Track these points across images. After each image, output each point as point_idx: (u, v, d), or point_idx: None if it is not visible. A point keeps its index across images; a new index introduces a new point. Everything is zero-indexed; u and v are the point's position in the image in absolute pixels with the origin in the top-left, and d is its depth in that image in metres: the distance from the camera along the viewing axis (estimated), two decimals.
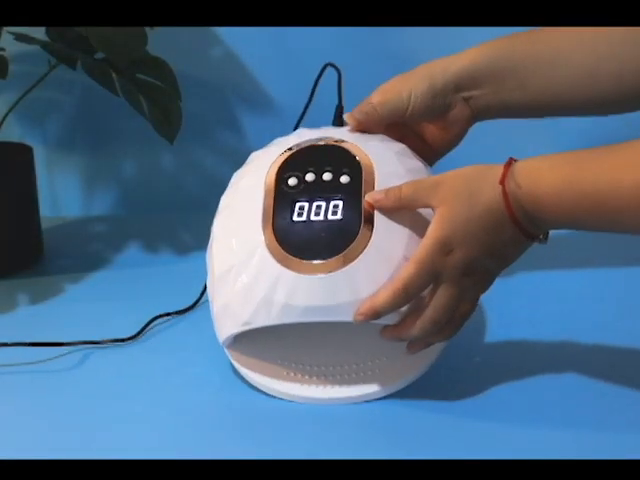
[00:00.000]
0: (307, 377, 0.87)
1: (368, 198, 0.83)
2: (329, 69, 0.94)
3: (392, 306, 0.81)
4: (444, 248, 0.79)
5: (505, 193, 0.78)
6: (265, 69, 1.39)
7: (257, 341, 0.87)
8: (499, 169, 0.79)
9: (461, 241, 0.79)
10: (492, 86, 0.91)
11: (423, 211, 0.83)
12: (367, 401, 0.86)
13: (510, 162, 0.79)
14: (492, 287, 0.84)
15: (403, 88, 0.91)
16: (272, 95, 1.38)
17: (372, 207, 0.83)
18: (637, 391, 0.86)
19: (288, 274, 0.82)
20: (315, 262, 0.82)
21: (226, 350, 0.89)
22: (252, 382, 0.88)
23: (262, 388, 0.88)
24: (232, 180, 0.91)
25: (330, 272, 0.82)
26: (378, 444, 0.81)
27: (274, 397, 0.87)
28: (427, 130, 0.95)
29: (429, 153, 0.95)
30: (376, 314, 0.81)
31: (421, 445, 0.80)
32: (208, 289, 0.89)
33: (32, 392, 0.91)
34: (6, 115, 1.24)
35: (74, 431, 0.84)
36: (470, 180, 0.80)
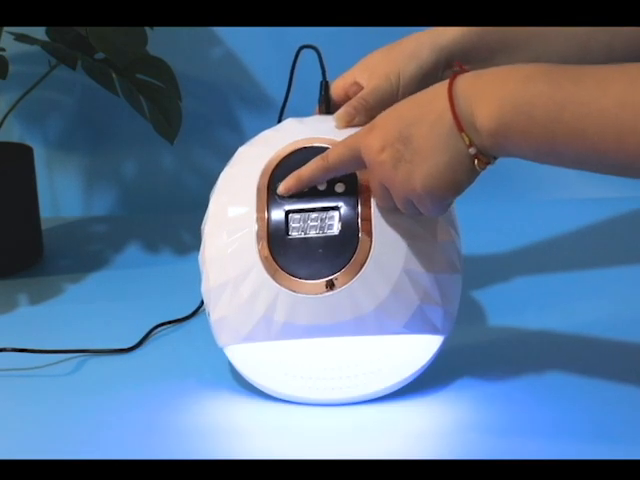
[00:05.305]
0: (307, 378, 0.87)
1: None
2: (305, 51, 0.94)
3: (316, 179, 0.82)
4: (369, 128, 0.79)
5: (450, 83, 0.74)
6: (265, 69, 1.39)
7: (257, 344, 0.87)
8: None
9: (383, 115, 0.79)
10: (483, 59, 0.88)
11: (422, 220, 0.82)
12: (366, 401, 0.86)
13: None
14: (493, 287, 0.84)
15: (390, 69, 0.88)
16: (272, 95, 1.38)
17: (369, 220, 0.81)
18: (637, 389, 0.86)
19: (287, 294, 0.81)
20: (314, 281, 0.81)
21: (226, 353, 0.88)
22: (253, 383, 0.88)
23: (262, 389, 0.87)
24: (219, 182, 0.89)
25: (330, 291, 0.80)
26: (378, 444, 0.81)
27: (274, 398, 0.87)
28: None
29: None
30: (301, 185, 0.82)
31: (422, 445, 0.81)
32: (203, 294, 0.87)
33: (31, 397, 0.91)
34: (6, 115, 1.24)
35: (72, 436, 0.84)
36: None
